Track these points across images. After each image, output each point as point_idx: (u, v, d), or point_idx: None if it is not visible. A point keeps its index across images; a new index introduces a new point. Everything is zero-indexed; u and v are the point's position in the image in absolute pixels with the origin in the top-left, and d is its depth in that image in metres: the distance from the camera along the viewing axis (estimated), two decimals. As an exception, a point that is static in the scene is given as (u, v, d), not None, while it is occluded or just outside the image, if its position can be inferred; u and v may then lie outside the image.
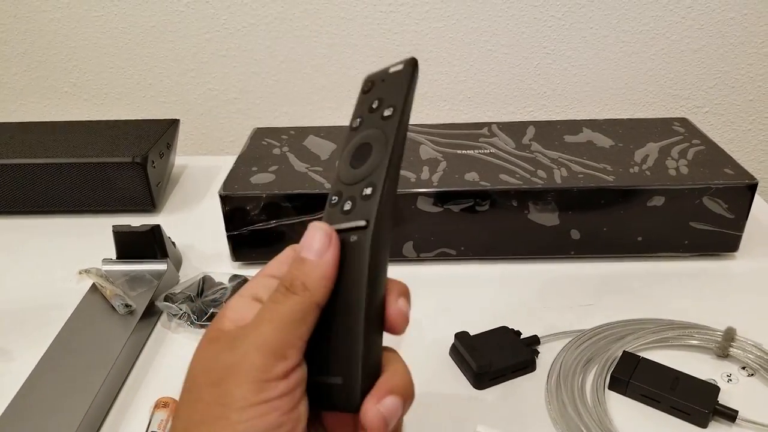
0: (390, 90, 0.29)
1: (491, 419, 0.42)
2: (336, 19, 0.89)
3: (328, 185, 0.56)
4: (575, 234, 0.57)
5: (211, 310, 0.50)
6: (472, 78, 0.92)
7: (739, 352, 0.46)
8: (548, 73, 0.90)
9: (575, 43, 0.88)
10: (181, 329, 0.51)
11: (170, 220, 0.67)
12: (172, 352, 0.49)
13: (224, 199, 0.56)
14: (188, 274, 0.57)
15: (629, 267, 0.58)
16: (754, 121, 0.91)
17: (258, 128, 0.68)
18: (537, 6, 0.86)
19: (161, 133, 0.71)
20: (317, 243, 0.27)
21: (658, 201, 0.55)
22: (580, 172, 0.57)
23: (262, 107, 0.97)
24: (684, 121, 0.67)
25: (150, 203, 0.67)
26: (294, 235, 0.57)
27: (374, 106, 0.30)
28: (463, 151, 0.62)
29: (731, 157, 0.59)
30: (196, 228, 0.66)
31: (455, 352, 0.47)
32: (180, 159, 0.81)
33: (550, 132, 0.66)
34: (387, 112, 0.29)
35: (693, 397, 0.41)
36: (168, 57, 0.94)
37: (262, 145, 0.64)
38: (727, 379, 0.45)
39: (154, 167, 0.67)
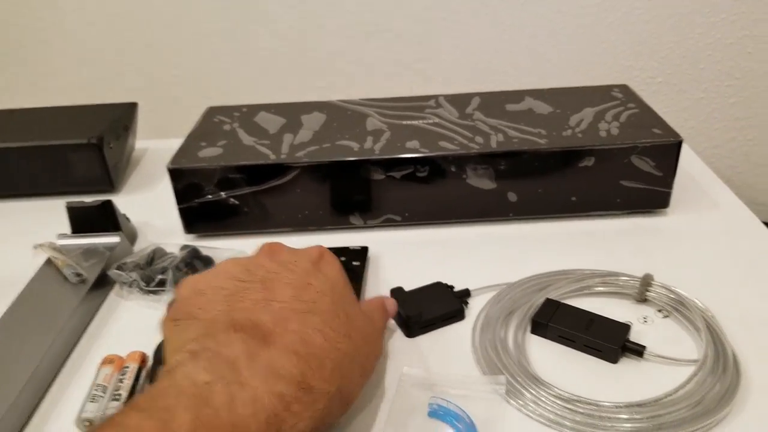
0: None
1: (419, 362, 0.45)
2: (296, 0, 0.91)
3: (273, 156, 0.58)
4: (512, 197, 0.60)
5: (159, 277, 0.52)
6: (429, 51, 0.94)
7: (656, 296, 0.48)
8: (501, 46, 0.92)
9: (532, 19, 0.90)
10: (132, 296, 0.54)
11: (128, 200, 0.70)
12: (123, 317, 0.52)
13: (172, 173, 0.58)
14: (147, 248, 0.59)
15: (564, 226, 0.60)
16: (706, 89, 0.94)
17: (211, 107, 0.70)
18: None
19: (118, 116, 0.73)
20: (392, 310, 0.47)
21: (588, 161, 0.58)
22: (516, 137, 0.60)
23: (225, 91, 0.99)
24: (624, 88, 0.70)
25: (108, 184, 0.70)
26: (244, 205, 0.59)
27: None
28: (408, 122, 0.64)
29: (661, 118, 0.62)
30: (153, 206, 0.68)
31: (390, 306, 0.50)
32: (142, 143, 0.83)
33: (494, 102, 0.68)
34: None
35: (605, 336, 0.44)
36: (133, 42, 0.95)
37: (214, 123, 0.66)
38: (643, 320, 0.47)
39: (111, 148, 0.69)
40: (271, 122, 0.66)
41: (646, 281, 0.48)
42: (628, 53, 0.92)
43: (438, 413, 0.40)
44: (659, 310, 0.48)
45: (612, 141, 0.58)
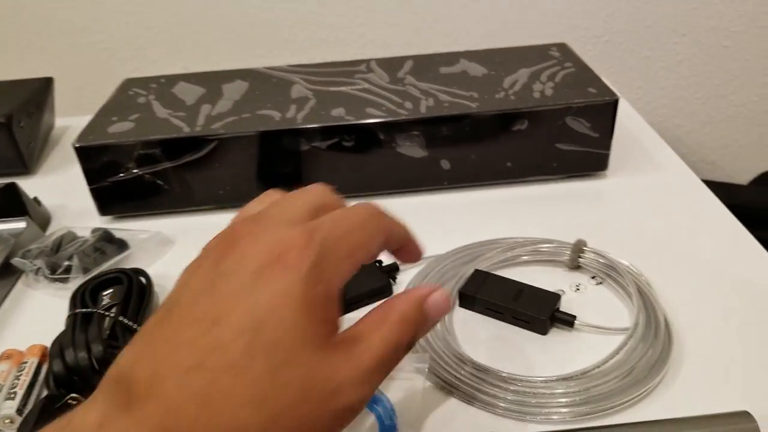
0: None
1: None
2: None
3: (187, 129, 0.54)
4: (445, 164, 0.57)
5: (65, 263, 0.49)
6: (364, 15, 0.90)
7: (588, 262, 0.46)
8: (439, 7, 0.89)
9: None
10: (39, 285, 0.50)
11: (45, 181, 0.65)
12: (27, 308, 0.48)
13: (79, 152, 0.54)
14: (56, 232, 0.55)
15: (500, 193, 0.58)
16: (652, 48, 0.92)
17: (128, 79, 0.66)
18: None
19: (31, 93, 0.68)
20: (444, 308, 0.27)
21: (521, 125, 0.55)
22: (447, 101, 0.57)
23: (160, 64, 0.94)
24: (562, 47, 0.67)
25: (21, 165, 0.65)
26: (162, 182, 0.56)
27: None
28: (336, 88, 0.61)
29: (598, 76, 0.59)
30: (70, 187, 0.63)
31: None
32: (64, 120, 0.78)
33: (428, 65, 0.65)
34: None
35: (533, 307, 0.42)
36: (55, 16, 0.89)
37: (129, 95, 0.62)
38: (575, 288, 0.45)
39: (22, 127, 0.64)
40: (190, 93, 0.62)
41: (578, 247, 0.46)
42: (574, 12, 0.89)
43: (355, 397, 0.38)
44: (592, 277, 0.46)
45: (545, 102, 0.55)
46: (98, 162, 0.54)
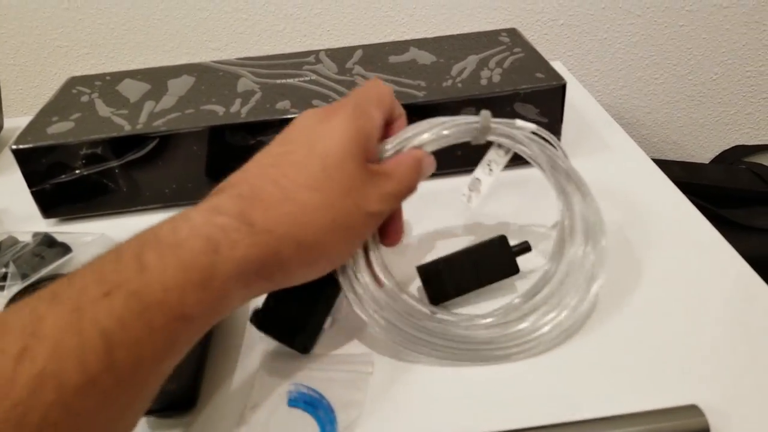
0: None
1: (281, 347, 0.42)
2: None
3: (128, 127, 0.53)
4: (394, 154, 0.56)
5: (2, 270, 0.47)
6: (321, 5, 0.89)
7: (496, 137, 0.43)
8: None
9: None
10: (-21, 293, 0.49)
11: (-10, 185, 0.64)
12: (-34, 318, 0.47)
13: (17, 154, 0.52)
14: (-2, 238, 0.54)
15: (451, 182, 0.57)
16: (608, 29, 0.92)
17: (72, 77, 0.64)
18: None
19: (-27, 94, 0.66)
20: (430, 169, 0.40)
21: (468, 112, 0.55)
22: (395, 91, 0.56)
23: (114, 60, 0.92)
24: (512, 32, 0.67)
25: (-36, 168, 0.63)
26: (106, 182, 0.54)
27: None
28: (283, 81, 0.60)
29: (546, 61, 0.59)
30: (15, 190, 0.62)
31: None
32: (16, 121, 0.76)
33: (377, 54, 0.64)
34: None
35: (496, 270, 0.44)
36: (5, 16, 0.87)
37: (72, 94, 0.60)
38: (488, 170, 0.44)
39: (-37, 130, 0.63)
40: (135, 90, 0.60)
41: (486, 124, 0.42)
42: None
43: (297, 401, 0.38)
44: (498, 145, 0.43)
45: (491, 89, 0.55)
46: (38, 164, 0.53)
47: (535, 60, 0.60)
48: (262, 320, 0.39)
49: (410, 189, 0.37)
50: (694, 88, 0.96)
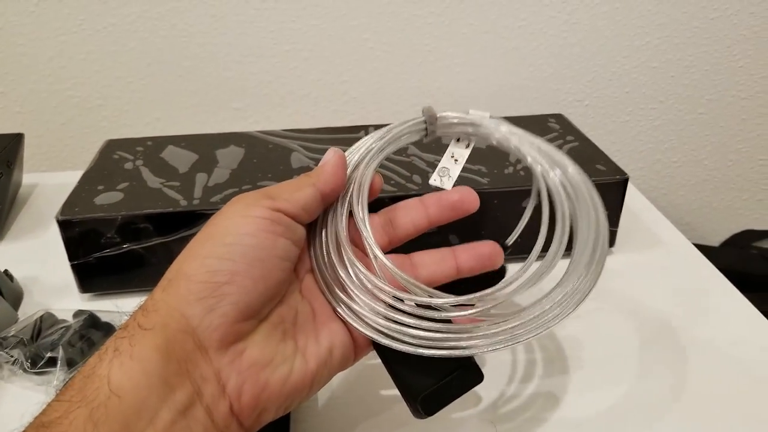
0: None
1: None
2: (206, 17, 0.83)
3: (184, 202, 0.51)
4: (454, 239, 0.55)
5: (48, 355, 0.44)
6: (355, 77, 0.88)
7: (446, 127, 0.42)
8: (430, 71, 0.88)
9: (456, 40, 0.86)
10: (15, 378, 0.45)
11: (13, 249, 0.60)
12: (4, 402, 0.43)
13: (63, 225, 0.49)
14: (29, 311, 0.50)
15: (510, 270, 0.56)
16: (631, 113, 0.93)
17: (110, 140, 0.62)
18: (416, 2, 0.83)
19: None
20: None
21: (531, 203, 0.54)
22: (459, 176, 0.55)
23: (130, 115, 0.89)
24: (559, 117, 0.67)
25: (-12, 231, 0.59)
26: (152, 258, 0.51)
27: None
28: (337, 157, 0.58)
29: (603, 152, 0.59)
30: (43, 257, 0.58)
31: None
32: (31, 177, 0.72)
33: (428, 133, 0.63)
34: None
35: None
36: (20, 63, 0.84)
37: (113, 159, 0.58)
38: (454, 159, 0.42)
39: (-10, 189, 0.59)
40: (181, 158, 0.58)
41: (430, 113, 0.41)
42: (556, 77, 0.90)
43: None
44: (458, 139, 0.43)
45: (557, 180, 0.54)
46: (83, 236, 0.50)
47: (591, 149, 0.60)
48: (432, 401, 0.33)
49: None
50: (709, 173, 0.98)
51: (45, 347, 0.44)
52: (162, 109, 0.89)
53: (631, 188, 0.71)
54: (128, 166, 0.57)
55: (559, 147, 0.59)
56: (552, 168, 0.39)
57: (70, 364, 0.43)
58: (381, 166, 0.56)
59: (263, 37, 0.85)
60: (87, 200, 0.51)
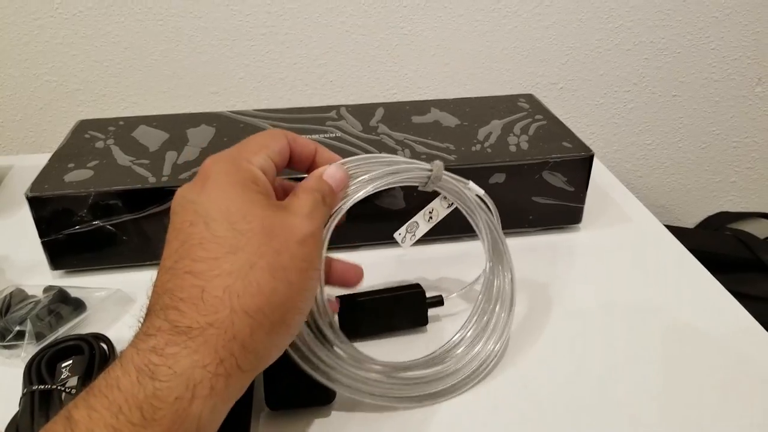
0: None
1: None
2: (181, 1, 0.83)
3: (152, 179, 0.51)
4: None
5: (17, 328, 0.44)
6: (332, 60, 0.89)
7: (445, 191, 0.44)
8: (406, 54, 0.89)
9: (431, 23, 0.87)
10: (-16, 352, 0.45)
11: (-14, 229, 0.60)
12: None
13: (32, 202, 0.50)
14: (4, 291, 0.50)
15: (477, 246, 0.57)
16: (605, 95, 0.94)
17: (82, 120, 0.62)
18: (390, -16, 0.84)
19: (-29, 131, 0.63)
20: (340, 179, 0.37)
21: (499, 178, 0.55)
22: (424, 152, 0.56)
23: (107, 99, 0.89)
24: (529, 97, 0.68)
25: (-41, 211, 0.60)
26: (122, 234, 0.52)
27: None
28: (308, 136, 0.59)
29: (570, 130, 0.60)
30: (16, 236, 0.59)
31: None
32: (7, 159, 0.72)
33: (399, 113, 0.64)
34: None
35: (408, 318, 0.46)
36: (-6, 46, 0.84)
37: (84, 139, 0.58)
38: (428, 217, 0.45)
39: (-39, 170, 0.59)
40: (152, 137, 0.58)
41: (438, 174, 0.42)
42: (529, 59, 0.91)
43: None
44: (444, 197, 0.44)
45: (522, 156, 0.55)
46: (53, 213, 0.50)
47: (558, 128, 0.61)
48: (278, 398, 0.39)
49: (328, 192, 0.35)
50: (684, 155, 1.00)
51: (14, 321, 0.45)
52: (138, 93, 0.89)
53: (601, 168, 0.72)
54: (99, 145, 0.57)
55: (527, 126, 0.61)
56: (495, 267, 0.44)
57: (38, 337, 0.44)
58: (348, 143, 0.57)
59: (239, 21, 0.85)
60: (57, 178, 0.51)
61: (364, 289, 0.45)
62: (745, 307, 0.92)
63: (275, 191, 0.34)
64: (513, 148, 0.56)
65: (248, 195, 0.31)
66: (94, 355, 0.41)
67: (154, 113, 0.84)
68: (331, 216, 0.37)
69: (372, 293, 0.45)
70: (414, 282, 0.48)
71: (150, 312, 0.29)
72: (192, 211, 0.31)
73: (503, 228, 0.55)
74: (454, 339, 0.43)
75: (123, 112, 0.90)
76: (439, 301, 0.47)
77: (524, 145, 0.57)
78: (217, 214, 0.30)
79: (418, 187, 0.42)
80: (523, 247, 0.57)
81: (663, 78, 0.93)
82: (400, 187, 0.53)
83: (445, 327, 0.48)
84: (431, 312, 0.47)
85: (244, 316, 0.28)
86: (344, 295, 0.44)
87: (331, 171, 0.36)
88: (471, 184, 0.44)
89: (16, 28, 0.83)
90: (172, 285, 0.29)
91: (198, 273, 0.29)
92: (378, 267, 0.55)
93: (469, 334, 0.43)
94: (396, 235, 0.45)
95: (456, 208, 0.44)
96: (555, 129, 0.60)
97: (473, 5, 0.86)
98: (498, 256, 0.45)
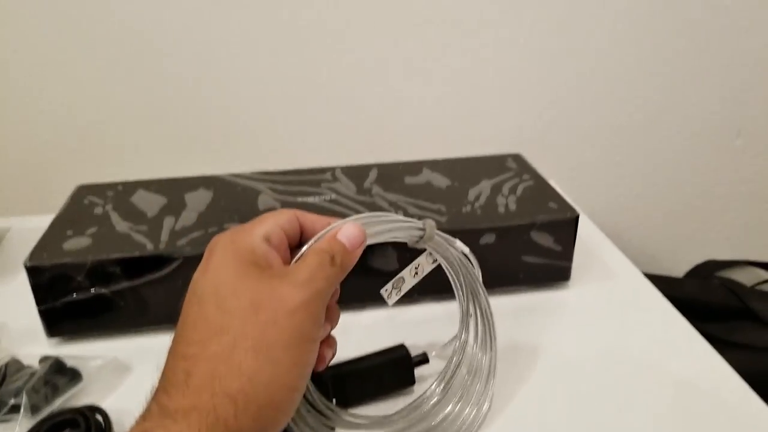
0: None
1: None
2: (178, 67, 0.85)
3: (150, 246, 0.52)
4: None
5: (11, 401, 0.44)
6: (329, 120, 0.91)
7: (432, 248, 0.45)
8: (397, 113, 0.91)
9: (419, 82, 0.89)
10: (-20, 424, 0.45)
11: (-18, 295, 0.60)
12: (-33, 452, 0.43)
13: (31, 271, 0.50)
14: (-2, 359, 0.51)
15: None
16: (593, 148, 0.97)
17: (81, 185, 0.63)
18: (380, 48, 0.87)
19: (-30, 197, 0.64)
20: (355, 237, 0.36)
21: (489, 239, 0.56)
22: (416, 214, 0.57)
23: (104, 157, 0.91)
24: (517, 157, 0.70)
25: (-44, 277, 0.60)
26: (119, 301, 0.52)
27: None
28: (304, 199, 0.60)
29: (556, 191, 0.62)
30: (12, 302, 0.59)
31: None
32: (2, 221, 0.73)
33: (392, 174, 0.66)
34: None
35: (395, 380, 0.47)
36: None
37: (84, 205, 0.59)
38: (414, 272, 0.46)
39: (-40, 236, 0.60)
40: (150, 203, 0.60)
41: (431, 234, 0.43)
42: (518, 115, 0.94)
43: None
44: (429, 253, 0.45)
45: (511, 218, 0.57)
46: (50, 281, 0.51)
47: (544, 188, 0.62)
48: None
49: (339, 251, 0.34)
50: (672, 206, 1.02)
51: (9, 393, 0.45)
52: (137, 158, 0.91)
53: (588, 224, 0.74)
54: (98, 210, 0.58)
55: (515, 186, 0.62)
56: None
57: (34, 410, 0.44)
58: (343, 205, 0.58)
59: (225, 79, 0.87)
60: (55, 246, 0.52)
61: (351, 354, 0.46)
62: (736, 355, 0.93)
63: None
64: (502, 210, 0.58)
65: (242, 269, 0.31)
66: (89, 427, 0.41)
67: (151, 170, 0.85)
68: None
69: (358, 361, 0.47)
70: (399, 343, 0.49)
71: (151, 395, 0.30)
72: (191, 291, 0.32)
73: (494, 286, 0.57)
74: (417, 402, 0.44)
75: (120, 170, 0.91)
76: (424, 359, 0.48)
77: (512, 206, 0.58)
78: (209, 294, 0.31)
79: (407, 244, 0.43)
80: (512, 305, 0.58)
81: (647, 129, 0.95)
82: (393, 247, 0.55)
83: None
84: (418, 371, 0.48)
85: (225, 399, 0.28)
86: (331, 366, 0.43)
87: (345, 229, 0.36)
88: (458, 242, 0.45)
89: (14, 88, 0.85)
90: (167, 368, 0.30)
91: (189, 356, 0.29)
92: (369, 327, 0.55)
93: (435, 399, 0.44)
94: (383, 291, 0.45)
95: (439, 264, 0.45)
96: (541, 189, 0.62)
97: (446, 62, 0.89)
98: (480, 311, 0.46)
